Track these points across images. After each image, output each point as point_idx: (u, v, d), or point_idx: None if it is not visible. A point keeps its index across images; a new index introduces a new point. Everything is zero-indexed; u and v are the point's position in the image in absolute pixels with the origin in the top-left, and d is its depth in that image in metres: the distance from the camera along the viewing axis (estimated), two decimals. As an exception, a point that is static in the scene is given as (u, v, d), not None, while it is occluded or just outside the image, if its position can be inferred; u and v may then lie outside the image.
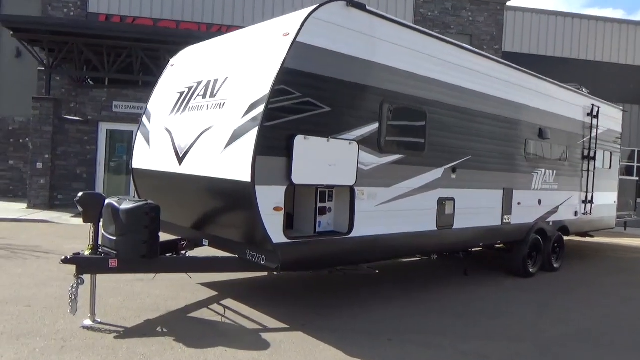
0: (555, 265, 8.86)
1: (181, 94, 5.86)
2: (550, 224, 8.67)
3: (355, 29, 5.13)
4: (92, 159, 13.79)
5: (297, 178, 4.60)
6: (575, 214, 9.50)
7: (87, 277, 4.68)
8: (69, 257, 4.61)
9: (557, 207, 8.87)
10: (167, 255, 5.76)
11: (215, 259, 5.23)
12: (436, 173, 6.22)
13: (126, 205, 4.73)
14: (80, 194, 4.79)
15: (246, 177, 4.37)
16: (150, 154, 6.07)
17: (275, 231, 4.52)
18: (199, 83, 5.63)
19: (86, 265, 4.66)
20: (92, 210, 4.80)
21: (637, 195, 13.21)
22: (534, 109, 8.04)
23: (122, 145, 14.28)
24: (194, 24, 15.57)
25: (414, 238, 5.94)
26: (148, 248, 4.71)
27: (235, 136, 4.61)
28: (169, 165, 5.54)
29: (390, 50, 5.53)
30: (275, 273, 4.64)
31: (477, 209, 6.93)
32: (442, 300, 6.28)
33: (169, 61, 6.77)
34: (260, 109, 4.44)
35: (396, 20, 5.64)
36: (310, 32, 4.69)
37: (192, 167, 5.19)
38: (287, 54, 4.53)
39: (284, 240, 4.59)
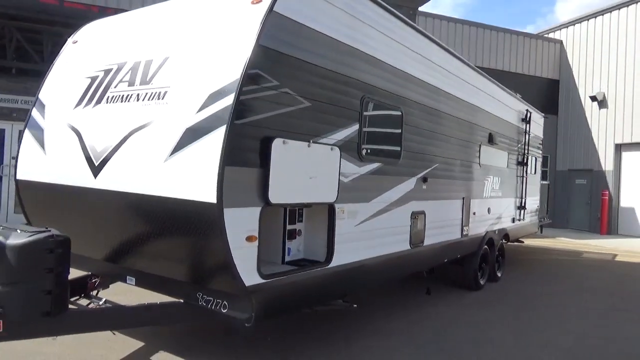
0: (498, 275, 8.55)
1: (93, 80, 4.32)
2: (496, 232, 8.33)
3: (339, 5, 4.06)
4: (-53, 164, 11.02)
5: (275, 196, 3.42)
6: (513, 220, 9.33)
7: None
8: None
9: (501, 215, 8.58)
10: (75, 300, 4.22)
11: (151, 307, 3.78)
12: (410, 184, 5.37)
13: (17, 238, 3.16)
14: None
15: (209, 196, 3.09)
16: (46, 161, 4.42)
17: (248, 269, 3.29)
18: (120, 66, 4.15)
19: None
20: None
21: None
22: (486, 112, 7.59)
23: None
24: (83, 5, 13.20)
25: (391, 260, 5.01)
26: (54, 301, 3.19)
27: (189, 138, 3.29)
28: (78, 177, 4.00)
29: (371, 35, 4.54)
30: (246, 325, 3.37)
31: (444, 221, 6.23)
32: (414, 330, 5.41)
33: (66, 40, 5.10)
34: (228, 100, 3.18)
35: (378, 1, 4.67)
36: (288, 0, 3.53)
37: (116, 180, 3.73)
38: (262, 26, 3.33)
39: (259, 280, 3.37)
